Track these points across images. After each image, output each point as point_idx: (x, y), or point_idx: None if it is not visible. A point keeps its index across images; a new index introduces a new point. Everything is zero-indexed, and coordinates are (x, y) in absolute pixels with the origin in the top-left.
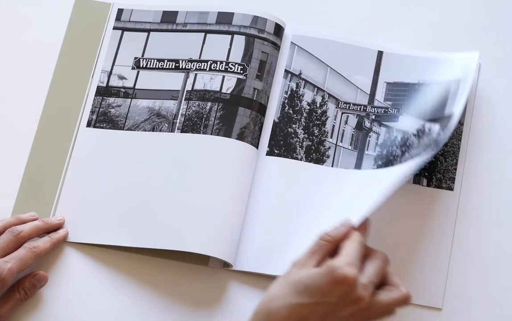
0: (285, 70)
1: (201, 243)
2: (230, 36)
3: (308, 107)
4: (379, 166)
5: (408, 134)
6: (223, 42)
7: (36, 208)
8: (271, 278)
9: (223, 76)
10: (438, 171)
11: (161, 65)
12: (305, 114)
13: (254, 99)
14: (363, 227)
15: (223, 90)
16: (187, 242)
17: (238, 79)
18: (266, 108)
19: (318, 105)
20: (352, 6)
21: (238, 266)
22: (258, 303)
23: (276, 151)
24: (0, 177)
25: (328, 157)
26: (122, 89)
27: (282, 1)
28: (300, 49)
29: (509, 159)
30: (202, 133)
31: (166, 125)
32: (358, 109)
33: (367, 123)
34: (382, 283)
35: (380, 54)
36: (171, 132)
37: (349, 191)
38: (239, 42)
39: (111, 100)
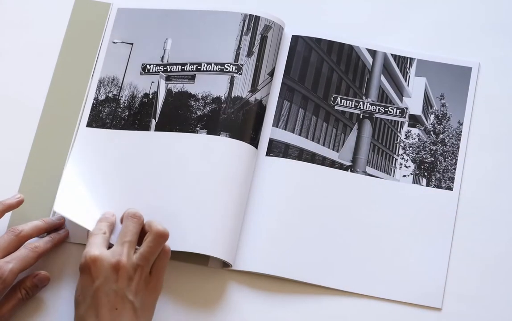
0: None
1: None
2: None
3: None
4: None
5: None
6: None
7: (36, 208)
8: (270, 278)
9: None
10: (438, 171)
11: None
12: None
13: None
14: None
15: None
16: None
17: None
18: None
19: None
20: (352, 6)
21: (237, 266)
22: None
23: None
24: (0, 177)
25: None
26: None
27: (282, 1)
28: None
29: (509, 159)
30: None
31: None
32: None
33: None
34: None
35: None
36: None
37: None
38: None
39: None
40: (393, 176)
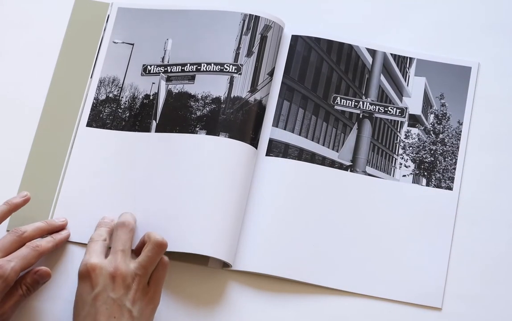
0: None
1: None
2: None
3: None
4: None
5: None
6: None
7: (36, 208)
8: (270, 278)
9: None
10: (438, 171)
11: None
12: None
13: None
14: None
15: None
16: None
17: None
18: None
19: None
20: (352, 6)
21: (237, 266)
22: None
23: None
24: (0, 177)
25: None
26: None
27: (282, 1)
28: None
29: (509, 159)
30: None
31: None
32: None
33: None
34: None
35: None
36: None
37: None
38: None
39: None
40: (393, 176)
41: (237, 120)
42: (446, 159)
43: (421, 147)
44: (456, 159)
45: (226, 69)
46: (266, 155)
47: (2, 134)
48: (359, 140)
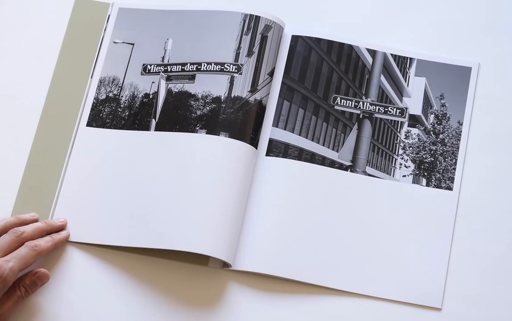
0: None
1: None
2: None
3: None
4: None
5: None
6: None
7: (36, 208)
8: (270, 278)
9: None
10: (438, 171)
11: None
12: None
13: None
14: None
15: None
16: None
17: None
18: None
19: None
20: (352, 6)
21: (237, 266)
22: None
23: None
24: (0, 177)
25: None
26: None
27: (282, 1)
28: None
29: (509, 159)
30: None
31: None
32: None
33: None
34: None
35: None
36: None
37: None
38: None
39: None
40: (393, 176)
41: (237, 120)
42: (446, 159)
43: (421, 147)
44: (456, 159)
45: (227, 69)
46: (266, 155)
47: (2, 134)
48: (359, 140)
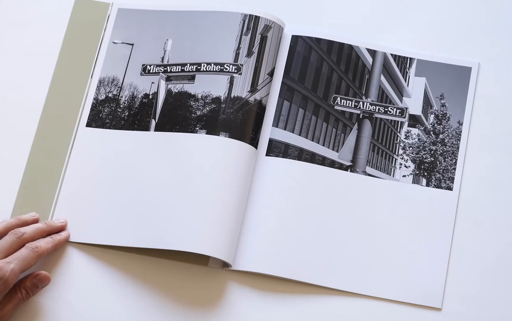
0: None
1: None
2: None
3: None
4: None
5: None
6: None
7: (36, 208)
8: (270, 278)
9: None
10: (438, 171)
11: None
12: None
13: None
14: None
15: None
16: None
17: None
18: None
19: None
20: (352, 6)
21: (237, 266)
22: None
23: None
24: (0, 177)
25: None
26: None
27: (282, 1)
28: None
29: (509, 159)
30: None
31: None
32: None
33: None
34: None
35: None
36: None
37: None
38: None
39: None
40: (393, 176)
41: (237, 120)
42: (446, 159)
43: (421, 148)
44: (456, 159)
45: (226, 69)
46: (266, 155)
47: (2, 134)
48: (359, 140)
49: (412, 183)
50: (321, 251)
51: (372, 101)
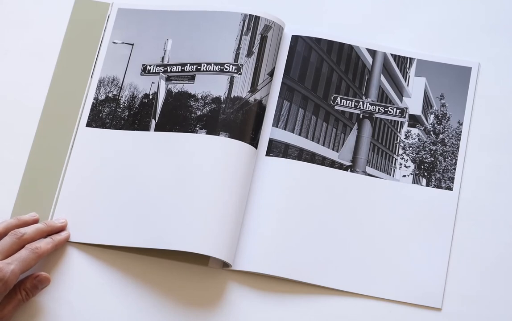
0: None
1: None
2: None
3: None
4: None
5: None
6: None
7: (36, 208)
8: (270, 278)
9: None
10: (438, 171)
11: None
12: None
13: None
14: None
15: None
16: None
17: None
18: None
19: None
20: (352, 6)
21: (237, 266)
22: None
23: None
24: (0, 177)
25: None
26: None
27: (282, 1)
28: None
29: (509, 159)
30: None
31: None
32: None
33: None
34: None
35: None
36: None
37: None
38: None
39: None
40: (393, 176)
41: (237, 120)
42: (446, 159)
43: (421, 148)
44: (456, 159)
45: (226, 69)
46: (266, 155)
47: (2, 134)
48: (359, 140)
49: (412, 183)
50: (321, 251)
51: (372, 101)
